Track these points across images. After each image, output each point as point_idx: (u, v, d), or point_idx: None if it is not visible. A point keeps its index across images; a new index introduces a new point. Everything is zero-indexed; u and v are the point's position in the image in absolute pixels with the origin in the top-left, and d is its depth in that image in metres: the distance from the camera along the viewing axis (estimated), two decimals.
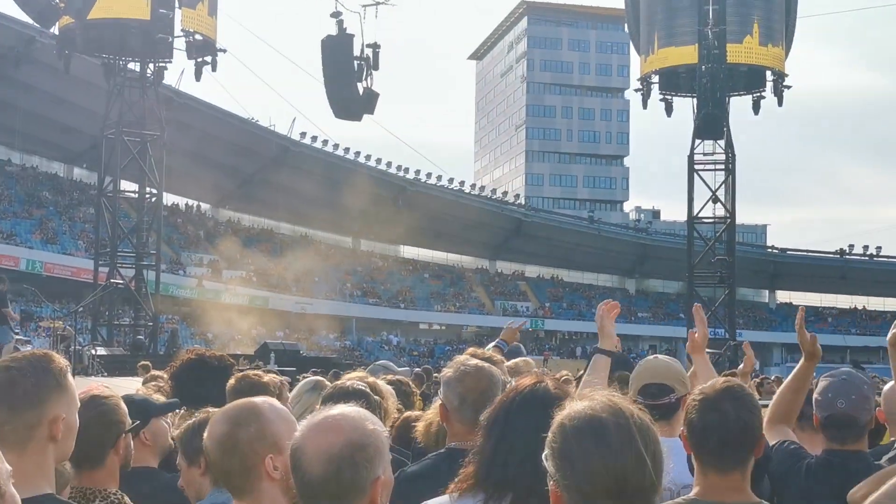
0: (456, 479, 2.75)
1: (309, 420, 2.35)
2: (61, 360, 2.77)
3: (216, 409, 3.19)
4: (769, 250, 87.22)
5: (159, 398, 4.54)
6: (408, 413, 5.33)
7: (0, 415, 2.62)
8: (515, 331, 6.87)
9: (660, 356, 4.53)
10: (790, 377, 4.42)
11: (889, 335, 4.25)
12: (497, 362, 5.10)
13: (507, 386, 4.13)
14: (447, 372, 3.54)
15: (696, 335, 4.77)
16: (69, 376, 2.77)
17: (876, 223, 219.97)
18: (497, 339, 6.71)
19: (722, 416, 3.02)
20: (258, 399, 2.86)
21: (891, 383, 4.48)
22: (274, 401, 2.88)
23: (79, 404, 2.84)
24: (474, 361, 3.57)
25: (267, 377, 4.57)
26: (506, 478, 2.59)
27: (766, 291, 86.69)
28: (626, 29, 52.67)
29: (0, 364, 2.76)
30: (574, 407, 2.12)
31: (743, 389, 3.19)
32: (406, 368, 11.58)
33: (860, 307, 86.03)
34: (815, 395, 4.10)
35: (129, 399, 3.84)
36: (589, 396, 2.15)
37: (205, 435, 2.83)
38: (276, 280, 67.35)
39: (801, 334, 4.32)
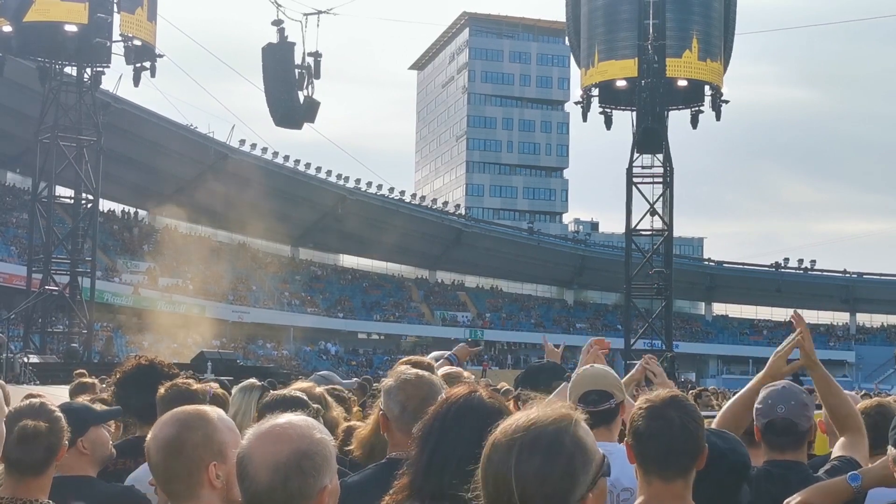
0: (391, 491, 2.73)
1: (256, 428, 2.33)
2: None
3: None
4: (706, 263, 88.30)
5: (100, 406, 4.46)
6: (350, 423, 5.31)
7: None
8: (471, 352, 6.88)
9: (596, 365, 4.59)
10: (744, 390, 4.46)
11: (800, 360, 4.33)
12: (433, 368, 5.10)
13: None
14: (387, 381, 3.55)
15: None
16: None
17: (811, 237, 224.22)
18: (449, 353, 6.69)
19: (667, 423, 3.05)
20: (207, 407, 2.86)
21: None
22: (221, 410, 2.87)
23: (6, 413, 2.78)
24: (414, 371, 3.59)
25: (196, 385, 4.51)
26: (441, 488, 2.57)
27: (703, 303, 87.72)
28: (567, 42, 53.05)
29: None
30: (508, 419, 2.14)
31: (687, 400, 3.24)
32: (353, 380, 11.47)
33: None
34: (756, 405, 4.15)
35: (67, 407, 3.78)
36: (527, 407, 2.16)
37: (149, 436, 2.79)
38: (213, 288, 66.72)
39: (782, 361, 4.35)
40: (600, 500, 2.12)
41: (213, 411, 2.80)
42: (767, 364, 4.39)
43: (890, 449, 3.18)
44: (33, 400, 3.46)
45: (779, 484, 3.86)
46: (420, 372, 3.58)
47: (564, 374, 5.22)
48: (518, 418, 2.11)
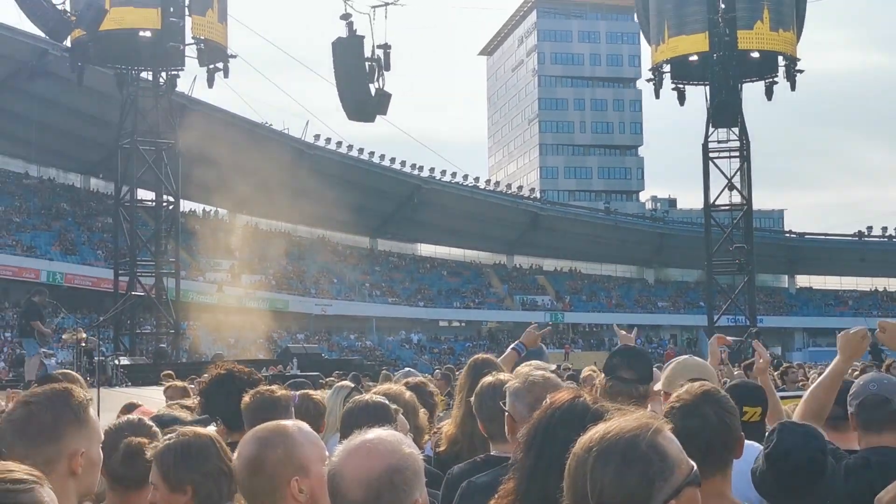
0: (496, 495, 2.77)
1: (346, 444, 2.39)
2: (81, 394, 2.82)
3: (196, 430, 3.26)
4: (787, 235, 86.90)
5: (185, 416, 4.58)
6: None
7: (18, 449, 2.65)
8: (538, 336, 6.86)
9: (693, 356, 4.68)
10: (824, 375, 4.48)
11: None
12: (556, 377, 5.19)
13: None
14: (513, 383, 3.65)
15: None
16: (90, 410, 2.82)
17: (893, 204, 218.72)
18: (516, 342, 6.71)
19: (703, 420, 3.09)
20: (288, 422, 2.95)
21: None
22: (303, 424, 2.95)
23: (102, 437, 2.88)
24: (540, 372, 3.69)
25: (280, 392, 4.59)
26: (545, 494, 2.57)
27: (786, 276, 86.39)
28: (636, 19, 52.50)
29: (20, 399, 2.86)
30: (589, 431, 2.15)
31: (719, 392, 3.31)
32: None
33: (881, 289, 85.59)
34: (848, 395, 4.10)
35: (159, 420, 3.90)
36: (608, 418, 2.19)
37: (234, 455, 2.92)
38: (295, 283, 67.53)
39: (856, 339, 4.44)
40: None
41: (294, 426, 2.89)
42: (840, 347, 4.42)
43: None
44: (131, 416, 3.60)
45: (877, 472, 3.74)
46: (546, 374, 3.67)
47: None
48: (597, 429, 2.12)
